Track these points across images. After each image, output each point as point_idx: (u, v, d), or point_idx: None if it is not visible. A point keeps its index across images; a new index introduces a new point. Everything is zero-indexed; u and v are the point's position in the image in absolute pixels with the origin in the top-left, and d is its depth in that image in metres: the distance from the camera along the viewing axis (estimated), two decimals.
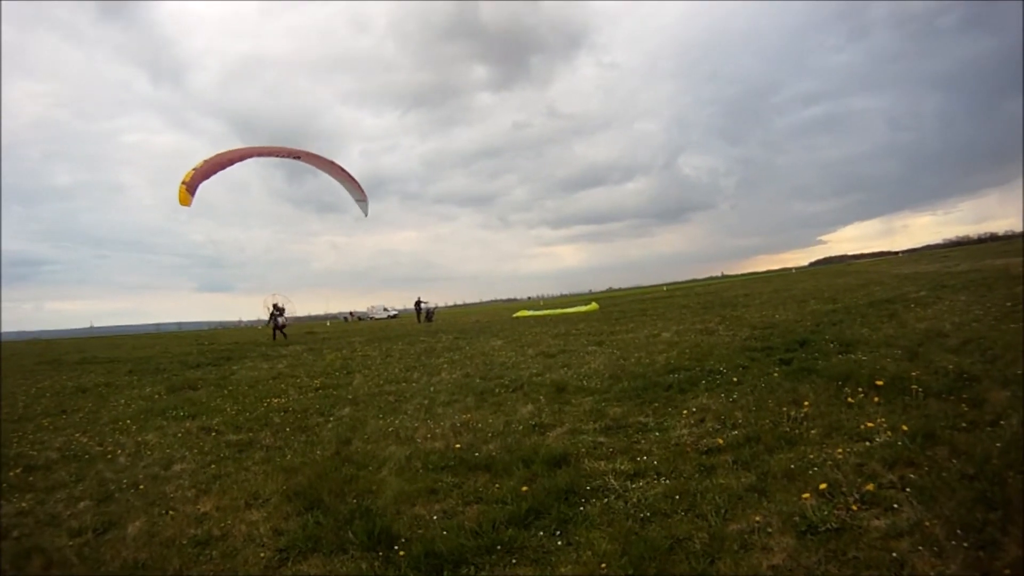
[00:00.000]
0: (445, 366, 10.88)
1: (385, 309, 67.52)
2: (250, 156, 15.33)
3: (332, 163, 17.20)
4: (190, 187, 13.73)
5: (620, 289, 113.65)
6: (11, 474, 5.76)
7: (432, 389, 8.40)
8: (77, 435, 7.36)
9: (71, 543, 4.01)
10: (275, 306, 23.97)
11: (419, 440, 5.72)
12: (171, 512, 4.40)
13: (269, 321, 24.29)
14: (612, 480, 4.06)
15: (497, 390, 7.77)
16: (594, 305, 33.07)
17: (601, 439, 5.11)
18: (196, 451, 6.16)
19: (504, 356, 11.52)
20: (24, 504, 4.88)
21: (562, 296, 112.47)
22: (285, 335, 24.04)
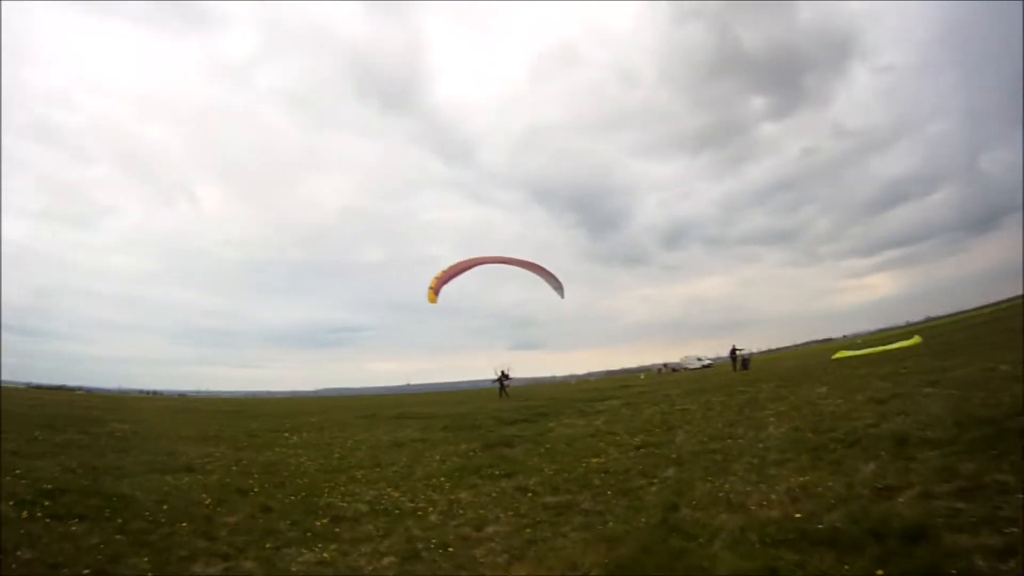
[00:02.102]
0: (771, 419, 9.53)
1: (699, 359, 64.59)
2: (478, 264, 18.98)
3: (534, 264, 20.45)
4: (436, 289, 17.33)
5: (939, 317, 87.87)
6: (318, 523, 5.88)
7: (760, 446, 7.18)
8: (389, 489, 7.45)
9: None
10: (503, 372, 29.45)
11: (752, 507, 5.03)
12: None
13: (496, 382, 29.93)
14: (979, 559, 3.43)
15: (831, 445, 6.79)
16: (916, 339, 28.18)
17: (958, 504, 4.29)
18: (511, 512, 5.93)
19: (832, 405, 9.75)
20: (327, 555, 4.94)
21: (879, 331, 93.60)
22: (508, 394, 28.95)
